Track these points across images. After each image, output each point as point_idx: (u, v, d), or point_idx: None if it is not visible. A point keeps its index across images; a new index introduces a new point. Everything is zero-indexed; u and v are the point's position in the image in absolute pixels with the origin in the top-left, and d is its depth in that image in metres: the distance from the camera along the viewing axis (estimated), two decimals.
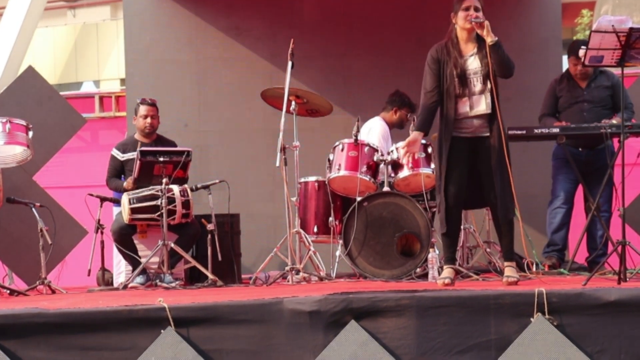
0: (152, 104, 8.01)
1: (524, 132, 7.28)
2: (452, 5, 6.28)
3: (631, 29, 5.95)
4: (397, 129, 8.32)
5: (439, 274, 6.93)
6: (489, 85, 6.23)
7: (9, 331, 5.40)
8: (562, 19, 9.86)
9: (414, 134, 6.46)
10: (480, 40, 6.30)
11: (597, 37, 6.03)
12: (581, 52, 7.22)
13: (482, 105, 6.25)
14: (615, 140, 7.25)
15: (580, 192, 7.80)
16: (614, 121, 7.32)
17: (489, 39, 6.14)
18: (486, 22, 6.14)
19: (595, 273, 6.14)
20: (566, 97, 7.85)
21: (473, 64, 6.26)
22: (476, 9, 6.21)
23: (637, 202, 7.91)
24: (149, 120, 7.96)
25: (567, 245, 7.95)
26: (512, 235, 6.28)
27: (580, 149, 7.74)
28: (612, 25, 5.96)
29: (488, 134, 6.24)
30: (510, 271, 6.22)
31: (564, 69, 8.14)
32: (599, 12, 16.54)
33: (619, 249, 5.97)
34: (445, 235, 6.35)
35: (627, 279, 5.92)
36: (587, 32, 12.78)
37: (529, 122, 7.57)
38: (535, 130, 7.42)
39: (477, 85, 6.25)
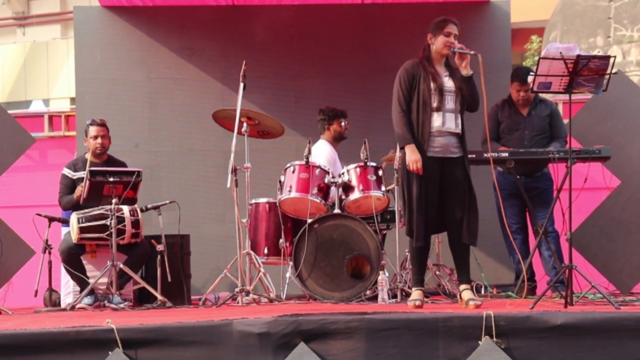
0: (102, 124, 7.99)
1: (474, 156, 7.33)
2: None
3: (578, 56, 6.04)
4: (341, 141, 8.31)
5: (389, 296, 6.97)
6: (458, 107, 6.32)
7: None
8: (512, 45, 9.97)
9: (409, 150, 6.29)
10: (448, 66, 6.39)
11: (545, 64, 6.11)
12: (530, 79, 7.30)
13: (453, 124, 6.32)
14: (559, 165, 7.30)
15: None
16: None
17: (465, 71, 6.26)
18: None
19: (542, 297, 6.20)
20: (507, 123, 7.94)
21: (448, 83, 6.35)
22: (455, 37, 6.31)
23: (584, 227, 7.99)
24: (99, 140, 7.93)
25: (534, 271, 7.97)
26: (468, 258, 6.34)
27: (517, 177, 7.81)
28: (560, 53, 6.05)
29: (457, 156, 6.30)
30: (470, 294, 6.25)
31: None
32: (547, 38, 16.74)
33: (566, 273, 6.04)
34: (417, 250, 6.35)
35: (574, 303, 6.00)
36: (537, 58, 12.92)
37: (479, 146, 7.63)
38: (485, 155, 7.48)
39: (449, 103, 6.33)
